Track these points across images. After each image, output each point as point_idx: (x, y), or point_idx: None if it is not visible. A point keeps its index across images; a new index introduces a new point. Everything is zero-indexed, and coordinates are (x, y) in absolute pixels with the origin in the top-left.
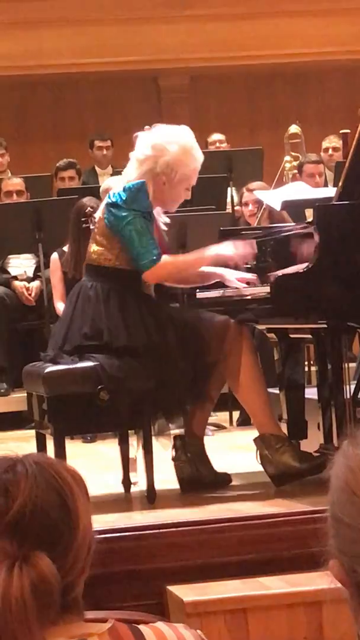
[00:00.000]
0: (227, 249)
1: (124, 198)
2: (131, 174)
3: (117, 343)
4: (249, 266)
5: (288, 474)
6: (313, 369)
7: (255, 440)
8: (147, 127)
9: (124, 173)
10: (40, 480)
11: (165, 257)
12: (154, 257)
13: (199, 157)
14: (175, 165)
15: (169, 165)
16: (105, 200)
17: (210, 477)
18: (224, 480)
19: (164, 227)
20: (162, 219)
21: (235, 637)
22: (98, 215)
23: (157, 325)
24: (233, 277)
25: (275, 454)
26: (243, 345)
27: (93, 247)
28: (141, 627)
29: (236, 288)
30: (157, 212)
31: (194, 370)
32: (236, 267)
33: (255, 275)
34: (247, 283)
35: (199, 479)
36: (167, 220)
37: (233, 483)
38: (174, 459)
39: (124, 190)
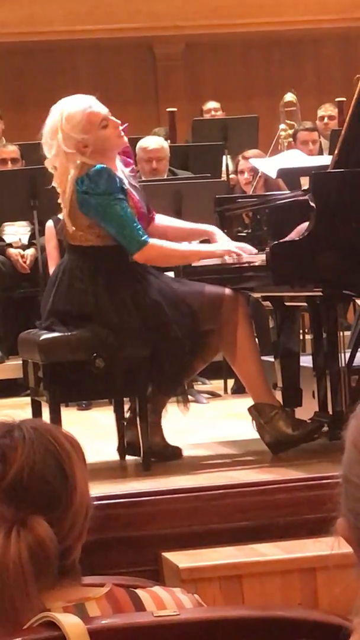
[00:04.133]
0: (225, 245)
1: (92, 186)
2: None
3: (108, 324)
4: (243, 235)
5: (283, 442)
6: (308, 337)
7: (249, 409)
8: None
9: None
10: (37, 445)
11: (154, 240)
12: (142, 239)
13: (81, 103)
14: (72, 130)
15: (70, 134)
16: (75, 185)
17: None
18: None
19: (135, 185)
20: (131, 179)
21: (230, 603)
22: (67, 192)
23: (148, 303)
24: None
25: (270, 422)
26: (239, 315)
27: (70, 227)
28: (138, 591)
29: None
30: (126, 174)
31: (189, 342)
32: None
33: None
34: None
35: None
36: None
37: (228, 451)
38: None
39: (88, 177)
